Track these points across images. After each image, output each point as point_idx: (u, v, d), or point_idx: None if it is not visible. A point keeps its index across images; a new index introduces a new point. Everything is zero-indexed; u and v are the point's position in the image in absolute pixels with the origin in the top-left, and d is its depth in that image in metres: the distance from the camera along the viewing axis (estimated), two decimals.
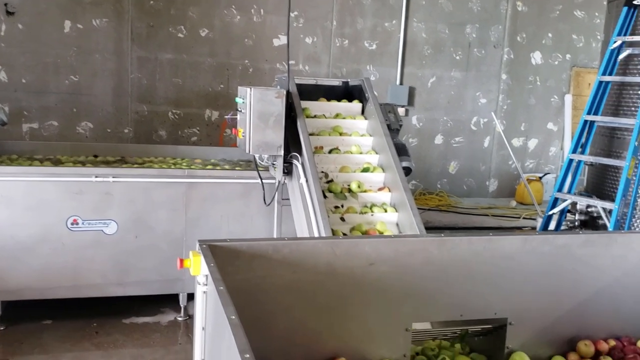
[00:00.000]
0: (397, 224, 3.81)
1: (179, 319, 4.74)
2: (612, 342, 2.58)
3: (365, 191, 3.93)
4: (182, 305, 4.74)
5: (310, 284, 2.29)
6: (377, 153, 4.17)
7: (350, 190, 3.91)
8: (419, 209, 3.81)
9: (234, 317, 1.57)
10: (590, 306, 2.59)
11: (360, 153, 4.15)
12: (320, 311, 2.30)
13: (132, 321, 4.66)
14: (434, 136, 8.77)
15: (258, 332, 2.07)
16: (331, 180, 3.94)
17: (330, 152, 4.11)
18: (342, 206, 3.82)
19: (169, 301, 4.83)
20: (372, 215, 3.78)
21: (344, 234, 3.61)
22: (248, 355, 1.34)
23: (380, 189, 3.98)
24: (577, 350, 2.54)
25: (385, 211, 3.84)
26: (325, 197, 3.75)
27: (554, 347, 2.56)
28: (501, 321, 2.46)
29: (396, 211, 3.83)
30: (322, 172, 3.95)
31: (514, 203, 8.78)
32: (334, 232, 3.53)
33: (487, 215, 7.98)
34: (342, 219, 3.74)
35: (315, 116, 4.34)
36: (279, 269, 2.25)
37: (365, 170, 4.04)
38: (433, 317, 2.44)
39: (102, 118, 7.20)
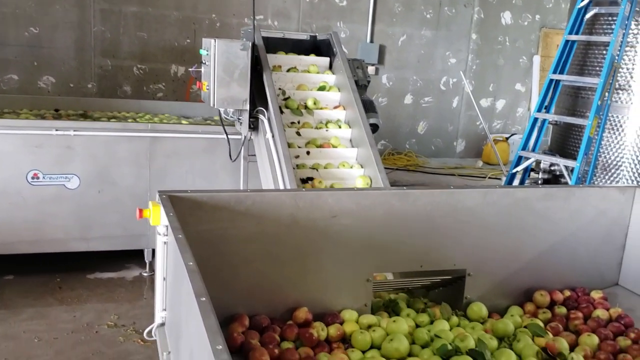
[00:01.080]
0: (351, 140, 3.95)
1: (144, 274, 4.72)
2: (567, 293, 2.67)
3: (321, 109, 4.05)
4: (147, 261, 4.72)
5: (273, 235, 2.29)
6: (334, 74, 4.25)
7: (306, 107, 4.02)
8: (386, 168, 3.84)
9: (191, 263, 1.56)
10: (547, 258, 2.65)
11: (317, 72, 4.25)
12: (283, 262, 2.31)
13: (96, 276, 4.62)
14: (404, 96, 8.77)
15: (220, 283, 2.07)
16: (288, 98, 4.05)
17: (288, 70, 4.19)
18: (299, 122, 3.96)
19: (134, 257, 4.80)
20: (326, 130, 3.93)
21: (299, 147, 3.77)
22: (204, 299, 1.34)
23: (335, 107, 4.10)
24: (534, 300, 2.61)
25: (340, 127, 3.99)
26: (282, 112, 3.87)
27: (512, 298, 2.63)
28: (460, 272, 2.51)
29: (349, 127, 3.97)
30: (280, 89, 4.05)
31: (480, 163, 8.89)
32: (290, 145, 3.67)
33: (454, 175, 8.08)
34: (298, 134, 3.87)
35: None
36: (242, 221, 2.24)
37: (322, 88, 4.14)
38: (394, 268, 2.47)
39: (64, 72, 6.99)
